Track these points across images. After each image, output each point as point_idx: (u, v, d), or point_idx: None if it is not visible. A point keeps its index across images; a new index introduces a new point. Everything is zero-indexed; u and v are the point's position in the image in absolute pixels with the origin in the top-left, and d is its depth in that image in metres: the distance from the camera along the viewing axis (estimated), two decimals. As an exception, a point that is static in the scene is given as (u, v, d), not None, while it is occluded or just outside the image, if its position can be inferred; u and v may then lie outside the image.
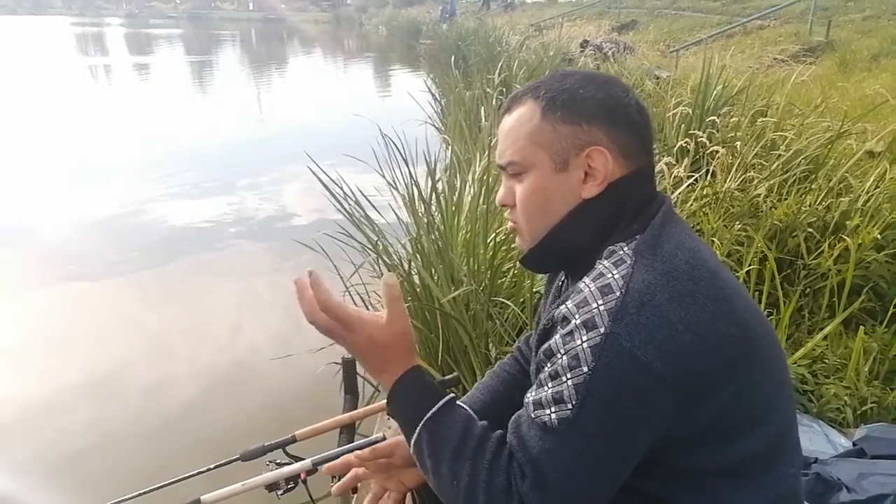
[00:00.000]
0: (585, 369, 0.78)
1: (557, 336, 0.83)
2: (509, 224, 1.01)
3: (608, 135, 0.89)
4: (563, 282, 1.05)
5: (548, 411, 0.81)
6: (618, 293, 0.80)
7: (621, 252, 0.85)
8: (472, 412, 1.17)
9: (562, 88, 0.91)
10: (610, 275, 0.82)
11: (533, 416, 0.83)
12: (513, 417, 0.89)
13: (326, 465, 1.20)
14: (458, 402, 1.20)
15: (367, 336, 0.93)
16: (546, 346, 0.85)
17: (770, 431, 0.88)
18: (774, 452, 0.88)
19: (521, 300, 2.53)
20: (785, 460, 0.91)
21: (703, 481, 0.87)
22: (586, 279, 0.85)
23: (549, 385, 0.82)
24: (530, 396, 0.85)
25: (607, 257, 0.86)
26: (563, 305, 0.84)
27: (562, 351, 0.81)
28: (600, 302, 0.80)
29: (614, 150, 0.89)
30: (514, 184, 0.95)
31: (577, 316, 0.81)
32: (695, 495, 0.87)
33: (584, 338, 0.79)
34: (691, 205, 3.07)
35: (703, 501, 0.87)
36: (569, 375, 0.79)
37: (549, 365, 0.83)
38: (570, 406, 0.79)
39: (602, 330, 0.78)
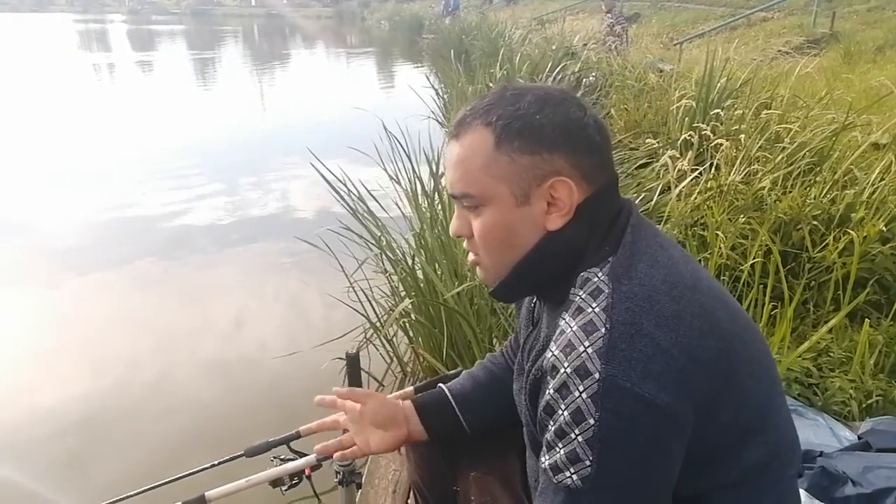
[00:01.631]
0: (592, 421, 0.74)
1: (551, 390, 0.79)
2: (470, 256, 0.94)
3: (569, 161, 0.83)
4: (534, 303, 1.01)
5: (567, 473, 0.78)
6: (602, 330, 0.76)
7: (596, 279, 0.81)
8: (451, 398, 1.18)
9: (515, 114, 0.83)
10: (590, 309, 0.78)
11: (555, 481, 0.80)
12: (538, 490, 0.85)
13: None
14: (441, 385, 1.22)
15: None
16: (543, 402, 0.81)
17: (769, 437, 0.86)
18: (774, 457, 0.87)
19: (525, 295, 2.52)
20: (784, 462, 0.89)
21: (707, 496, 0.85)
22: (566, 316, 0.81)
23: (560, 445, 0.78)
24: (545, 461, 0.81)
25: (582, 287, 0.82)
26: (549, 351, 0.80)
27: (561, 407, 0.77)
28: (587, 344, 0.76)
29: (576, 177, 0.83)
30: (470, 215, 0.89)
31: (565, 364, 0.77)
32: None
33: (581, 387, 0.75)
34: (695, 198, 3.06)
35: None
36: (576, 431, 0.76)
37: (551, 423, 0.80)
38: (587, 462, 0.76)
39: (597, 375, 0.74)
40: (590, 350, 0.75)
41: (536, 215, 0.85)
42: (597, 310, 0.78)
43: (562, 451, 0.78)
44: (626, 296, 0.78)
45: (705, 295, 0.83)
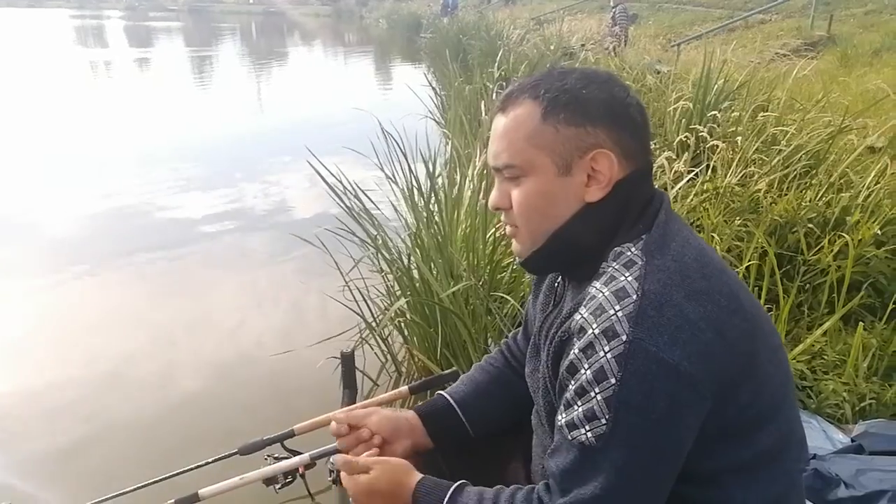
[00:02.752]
0: (613, 381, 0.76)
1: (576, 349, 0.81)
2: (507, 228, 0.97)
3: (611, 137, 0.86)
4: (558, 283, 1.02)
5: (582, 430, 0.80)
6: (634, 296, 0.78)
7: (629, 253, 0.84)
8: (453, 403, 1.18)
9: (563, 88, 0.87)
10: (623, 277, 0.81)
11: (570, 437, 0.82)
12: (551, 449, 0.87)
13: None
14: (442, 391, 1.22)
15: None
16: (567, 361, 0.83)
17: (781, 427, 0.88)
18: (784, 447, 0.89)
19: (521, 295, 2.53)
20: (792, 455, 0.91)
21: (717, 478, 0.86)
22: (597, 283, 0.83)
23: (579, 403, 0.80)
24: (562, 419, 0.83)
25: (615, 259, 0.84)
26: (577, 314, 0.82)
27: (585, 365, 0.79)
28: (617, 308, 0.78)
29: (617, 152, 0.86)
30: (511, 186, 0.92)
31: (594, 325, 0.79)
32: (709, 492, 0.87)
33: (607, 348, 0.77)
34: (691, 200, 3.07)
35: (716, 498, 0.87)
36: (597, 390, 0.78)
37: (573, 382, 0.81)
38: (604, 421, 0.78)
39: (624, 337, 0.76)
40: (620, 314, 0.78)
41: (576, 186, 0.88)
42: (629, 278, 0.80)
43: (580, 409, 0.80)
44: (659, 268, 0.81)
45: (731, 279, 0.86)
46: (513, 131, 0.89)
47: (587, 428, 0.79)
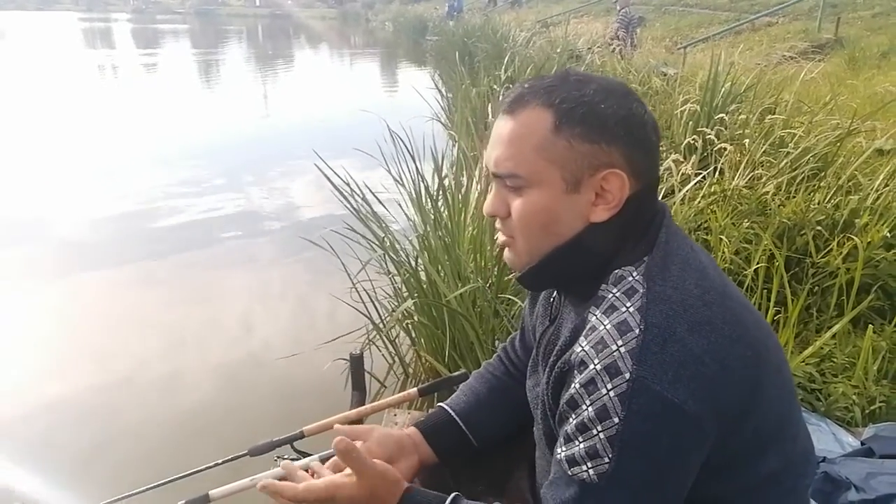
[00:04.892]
0: (616, 420, 0.74)
1: (577, 384, 0.78)
2: (500, 237, 0.92)
3: (625, 156, 0.82)
4: (554, 297, 0.99)
5: (584, 467, 0.78)
6: (637, 331, 0.75)
7: (630, 278, 0.80)
8: (455, 416, 1.16)
9: (581, 100, 0.81)
10: (624, 308, 0.78)
11: (570, 473, 0.79)
12: (549, 480, 0.85)
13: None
14: (443, 404, 1.20)
15: (348, 499, 0.93)
16: (567, 395, 0.80)
17: (786, 446, 0.86)
18: (789, 465, 0.87)
19: (528, 297, 2.52)
20: (798, 471, 0.90)
21: (722, 501, 0.85)
22: (598, 312, 0.80)
23: (580, 439, 0.78)
24: (562, 452, 0.81)
25: (615, 284, 0.81)
26: (578, 346, 0.80)
27: (587, 402, 0.77)
28: (620, 343, 0.75)
29: (628, 171, 0.82)
30: (510, 195, 0.86)
31: (596, 360, 0.76)
32: None
33: (609, 385, 0.75)
34: (699, 202, 3.06)
35: None
36: (599, 428, 0.75)
37: (573, 416, 0.79)
38: (606, 460, 0.75)
39: (627, 375, 0.74)
40: (622, 349, 0.75)
41: (582, 205, 0.83)
42: (631, 309, 0.78)
43: (581, 446, 0.78)
44: (660, 297, 0.78)
45: (734, 301, 0.83)
46: (522, 139, 0.83)
47: (589, 465, 0.77)
